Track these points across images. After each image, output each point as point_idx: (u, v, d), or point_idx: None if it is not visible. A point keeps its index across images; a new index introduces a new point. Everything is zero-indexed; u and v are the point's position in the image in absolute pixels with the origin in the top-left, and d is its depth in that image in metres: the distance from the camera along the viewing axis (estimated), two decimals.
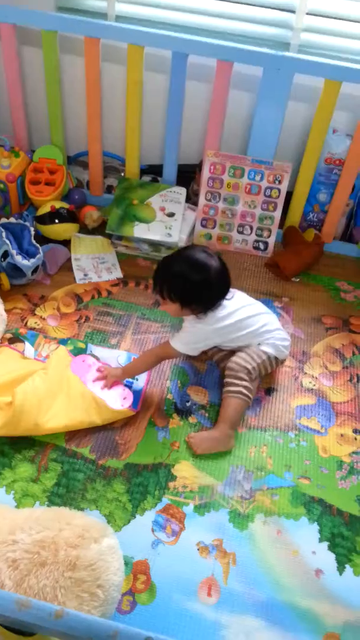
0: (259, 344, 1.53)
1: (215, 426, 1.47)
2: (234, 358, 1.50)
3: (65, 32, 1.85)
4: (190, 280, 1.37)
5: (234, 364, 1.49)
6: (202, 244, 2.05)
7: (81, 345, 1.63)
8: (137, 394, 1.51)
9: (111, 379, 1.51)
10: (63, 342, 1.64)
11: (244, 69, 1.81)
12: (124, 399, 1.49)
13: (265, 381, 1.61)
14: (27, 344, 1.61)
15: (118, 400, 1.47)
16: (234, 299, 1.50)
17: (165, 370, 1.61)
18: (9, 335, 1.62)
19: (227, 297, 1.46)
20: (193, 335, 1.47)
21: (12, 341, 1.61)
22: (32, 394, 1.38)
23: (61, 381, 1.47)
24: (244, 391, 1.47)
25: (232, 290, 1.48)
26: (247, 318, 1.50)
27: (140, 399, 1.51)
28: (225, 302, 1.46)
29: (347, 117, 1.95)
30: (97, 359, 1.59)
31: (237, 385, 1.47)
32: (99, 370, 1.54)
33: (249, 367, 1.48)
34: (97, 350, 1.63)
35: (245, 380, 1.47)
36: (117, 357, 1.61)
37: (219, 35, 1.87)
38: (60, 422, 1.40)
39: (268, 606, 1.19)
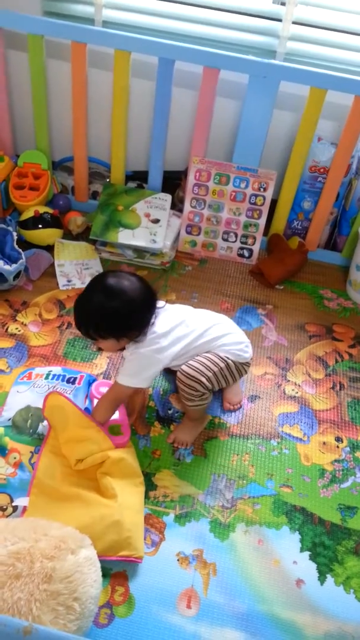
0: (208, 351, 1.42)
1: (185, 416, 1.49)
2: (184, 367, 1.37)
3: (51, 37, 1.84)
4: (114, 310, 1.25)
5: (185, 376, 1.36)
6: (187, 251, 2.05)
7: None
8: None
9: None
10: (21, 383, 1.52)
11: (230, 76, 1.81)
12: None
13: (248, 388, 1.60)
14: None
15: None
16: (170, 314, 1.39)
17: None
18: None
19: (159, 305, 1.35)
20: (138, 362, 1.33)
21: None
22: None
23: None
24: (202, 404, 1.41)
25: (161, 302, 1.37)
26: (189, 333, 1.38)
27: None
28: (159, 320, 1.35)
29: (332, 126, 1.96)
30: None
31: (193, 400, 1.39)
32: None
33: (203, 379, 1.36)
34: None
35: (199, 395, 1.38)
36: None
37: (206, 43, 1.87)
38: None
39: (248, 617, 1.18)
